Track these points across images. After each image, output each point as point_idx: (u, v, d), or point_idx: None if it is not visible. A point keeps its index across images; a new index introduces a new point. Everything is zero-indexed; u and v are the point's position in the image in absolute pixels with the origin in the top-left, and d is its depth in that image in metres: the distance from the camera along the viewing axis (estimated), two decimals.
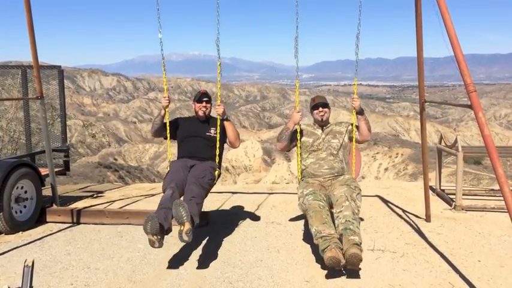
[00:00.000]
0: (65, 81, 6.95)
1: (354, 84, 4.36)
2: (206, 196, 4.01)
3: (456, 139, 5.70)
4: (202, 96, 4.49)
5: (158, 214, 3.51)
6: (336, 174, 4.13)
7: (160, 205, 3.65)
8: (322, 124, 4.34)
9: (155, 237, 3.40)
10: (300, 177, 4.31)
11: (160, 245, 3.45)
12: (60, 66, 6.77)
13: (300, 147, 4.27)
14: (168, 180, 3.95)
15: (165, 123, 4.38)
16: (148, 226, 3.38)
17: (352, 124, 4.30)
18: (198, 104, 4.48)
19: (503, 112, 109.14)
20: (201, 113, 4.47)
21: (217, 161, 4.34)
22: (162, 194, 3.89)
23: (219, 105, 4.32)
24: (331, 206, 3.80)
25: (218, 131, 4.29)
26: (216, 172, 4.20)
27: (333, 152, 4.21)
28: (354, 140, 4.27)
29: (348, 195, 3.69)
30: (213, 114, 4.59)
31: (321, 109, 4.29)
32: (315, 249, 4.07)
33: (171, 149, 4.54)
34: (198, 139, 4.39)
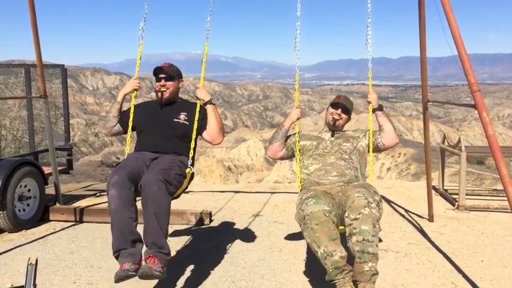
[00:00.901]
0: (68, 80, 6.97)
1: (369, 77, 3.46)
2: (176, 196, 3.06)
3: (459, 139, 5.69)
4: (158, 72, 3.32)
5: (122, 258, 2.68)
6: (347, 182, 3.15)
7: (113, 228, 2.75)
8: (333, 129, 3.46)
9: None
10: (299, 188, 3.36)
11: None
12: (63, 65, 6.78)
13: (301, 153, 3.39)
14: (114, 171, 2.83)
15: (124, 112, 3.42)
16: (120, 280, 2.62)
17: (370, 130, 3.37)
18: (157, 83, 3.32)
19: (507, 112, 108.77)
20: (159, 95, 3.32)
21: (190, 156, 3.15)
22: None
23: (199, 88, 3.35)
24: (340, 219, 2.86)
25: (196, 118, 3.19)
26: (188, 170, 3.06)
27: (344, 156, 3.28)
28: (371, 143, 3.31)
29: (368, 196, 2.70)
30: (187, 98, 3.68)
31: (340, 111, 3.40)
32: None
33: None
34: (162, 128, 3.21)
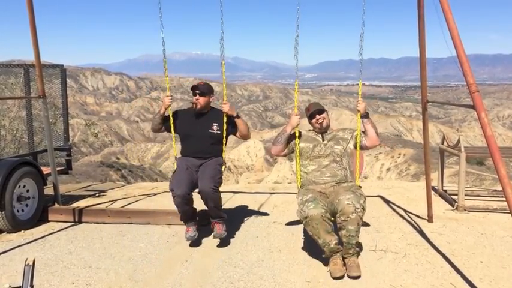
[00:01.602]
0: (67, 80, 6.94)
1: (359, 86, 4.04)
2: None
3: (459, 139, 5.68)
4: (194, 89, 4.37)
5: (188, 224, 4.23)
6: (338, 182, 3.84)
7: (181, 215, 4.19)
8: (323, 131, 4.03)
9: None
10: (299, 185, 4.02)
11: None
12: (62, 65, 6.76)
13: (300, 154, 4.00)
14: (176, 182, 4.04)
15: (165, 117, 4.37)
16: (189, 239, 4.18)
17: (357, 130, 4.01)
18: (193, 97, 4.38)
19: (507, 113, 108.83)
20: (194, 106, 4.36)
21: (223, 156, 4.41)
22: (171, 194, 4.03)
23: (224, 104, 4.26)
24: (332, 214, 3.56)
25: (225, 127, 4.28)
26: (223, 167, 4.31)
27: (336, 158, 3.91)
28: (358, 146, 3.96)
29: (355, 202, 3.42)
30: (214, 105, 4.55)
31: (317, 117, 3.98)
32: (317, 250, 4.07)
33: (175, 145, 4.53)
34: (201, 138, 4.30)
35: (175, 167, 4.26)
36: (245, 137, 4.52)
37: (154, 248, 4.20)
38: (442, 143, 6.38)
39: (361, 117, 3.97)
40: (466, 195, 5.54)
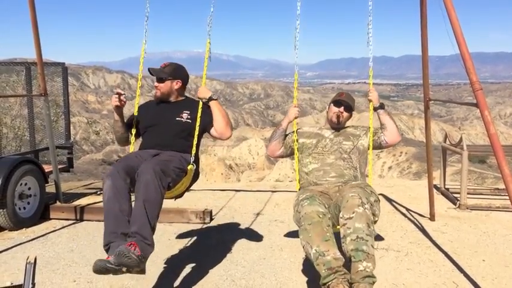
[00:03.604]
0: (69, 78, 6.95)
1: (370, 76, 3.43)
2: (178, 194, 3.13)
3: (461, 138, 5.67)
4: (149, 73, 3.34)
5: (111, 250, 2.49)
6: (345, 182, 3.07)
7: (105, 220, 2.61)
8: (335, 127, 3.35)
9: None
10: (298, 188, 3.24)
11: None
12: (64, 63, 6.77)
13: (301, 151, 3.31)
14: (112, 165, 2.82)
15: (127, 124, 3.35)
16: (97, 271, 2.44)
17: (371, 129, 3.30)
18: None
19: (508, 111, 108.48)
20: (156, 94, 3.32)
21: (192, 153, 3.07)
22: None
23: (200, 88, 3.33)
24: (337, 219, 2.75)
25: (199, 115, 3.11)
26: (190, 167, 2.99)
27: (343, 155, 3.18)
28: (371, 142, 3.23)
29: (362, 196, 2.65)
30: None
31: (342, 109, 3.29)
32: None
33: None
34: (164, 127, 3.16)
35: None
36: (222, 132, 3.21)
37: (156, 246, 4.17)
38: (444, 141, 6.37)
39: (375, 109, 3.30)
40: (468, 194, 5.52)
